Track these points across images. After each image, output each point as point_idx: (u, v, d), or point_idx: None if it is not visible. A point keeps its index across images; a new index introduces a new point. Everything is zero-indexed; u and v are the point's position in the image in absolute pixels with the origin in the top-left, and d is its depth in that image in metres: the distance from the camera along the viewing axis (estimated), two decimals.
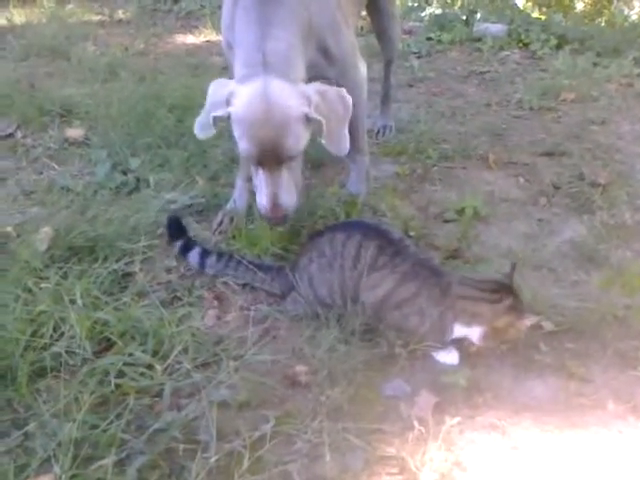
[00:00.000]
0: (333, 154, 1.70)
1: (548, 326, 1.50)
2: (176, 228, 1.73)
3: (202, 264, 1.65)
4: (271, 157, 1.57)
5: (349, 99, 1.67)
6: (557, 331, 1.50)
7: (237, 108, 1.56)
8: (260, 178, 1.62)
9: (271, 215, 1.63)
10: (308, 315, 1.51)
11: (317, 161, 2.33)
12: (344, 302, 1.46)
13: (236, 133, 1.59)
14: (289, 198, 1.63)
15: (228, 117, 1.58)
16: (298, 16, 1.65)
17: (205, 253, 1.66)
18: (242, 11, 1.67)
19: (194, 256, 1.66)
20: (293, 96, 1.55)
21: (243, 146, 1.59)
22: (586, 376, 1.37)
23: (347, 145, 1.68)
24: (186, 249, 1.68)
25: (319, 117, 1.57)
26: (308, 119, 1.57)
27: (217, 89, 1.64)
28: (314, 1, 1.70)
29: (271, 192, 1.61)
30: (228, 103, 1.57)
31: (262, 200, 1.63)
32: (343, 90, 1.68)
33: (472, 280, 1.43)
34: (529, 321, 1.37)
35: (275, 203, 1.61)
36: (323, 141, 1.62)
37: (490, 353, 1.41)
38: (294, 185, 1.65)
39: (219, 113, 1.59)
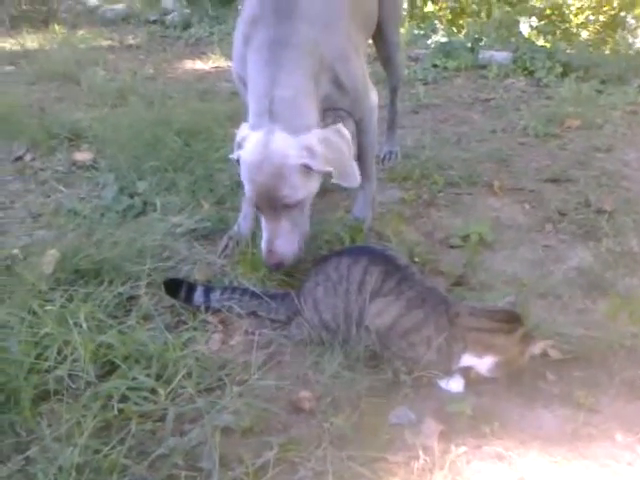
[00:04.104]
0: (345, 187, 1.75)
1: (555, 355, 1.48)
2: (173, 287, 1.65)
3: (207, 300, 1.63)
4: (268, 204, 1.63)
5: (347, 133, 1.72)
6: (564, 360, 1.48)
7: (243, 153, 1.64)
8: (262, 223, 1.69)
9: (266, 260, 1.67)
10: (313, 340, 1.50)
11: (322, 186, 2.33)
12: (348, 327, 1.45)
13: (241, 176, 1.67)
14: (286, 246, 1.66)
15: (237, 160, 1.67)
16: (309, 56, 1.69)
17: (208, 290, 1.64)
18: (254, 53, 1.71)
19: (198, 296, 1.62)
20: (292, 146, 1.59)
21: (245, 189, 1.66)
22: (594, 406, 1.35)
23: (358, 176, 1.73)
24: (189, 294, 1.63)
25: (327, 168, 1.62)
26: (310, 170, 1.61)
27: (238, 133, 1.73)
28: (324, 36, 1.73)
29: (268, 238, 1.66)
30: (239, 147, 1.66)
31: (262, 244, 1.68)
32: (340, 126, 1.72)
33: (483, 311, 1.42)
34: (539, 348, 1.37)
35: (270, 249, 1.65)
36: (334, 180, 1.67)
37: (496, 382, 1.39)
38: (296, 234, 1.68)
39: (234, 156, 1.69)
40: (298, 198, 1.63)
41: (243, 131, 1.69)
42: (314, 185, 1.67)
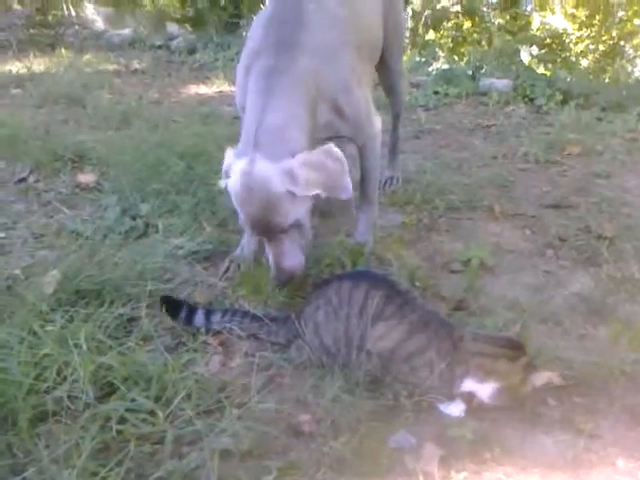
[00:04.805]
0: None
1: (556, 380, 1.47)
2: (172, 305, 1.66)
3: (208, 323, 1.63)
4: (263, 230, 1.67)
5: (337, 151, 1.71)
6: (565, 385, 1.47)
7: (230, 182, 1.67)
8: (265, 243, 1.72)
9: (277, 277, 1.71)
10: (312, 363, 1.50)
11: (324, 210, 2.35)
12: (349, 351, 1.45)
13: (233, 203, 1.70)
14: (293, 260, 1.70)
15: (225, 187, 1.70)
16: (303, 85, 1.71)
17: (209, 312, 1.64)
18: (252, 82, 1.75)
19: (199, 318, 1.63)
20: (273, 173, 1.60)
21: (239, 216, 1.69)
22: (595, 432, 1.35)
23: (350, 188, 1.72)
24: (190, 316, 1.64)
25: (309, 192, 1.63)
26: (294, 195, 1.62)
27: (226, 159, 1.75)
28: (326, 68, 1.76)
29: (275, 257, 1.69)
30: (227, 175, 1.70)
31: (270, 262, 1.71)
32: (329, 146, 1.71)
33: (487, 337, 1.42)
34: (542, 379, 1.37)
35: (280, 267, 1.69)
36: (325, 195, 1.67)
37: (497, 407, 1.39)
38: (298, 247, 1.71)
39: (222, 184, 1.74)
40: (291, 221, 1.66)
41: (229, 158, 1.71)
42: (305, 205, 1.69)
